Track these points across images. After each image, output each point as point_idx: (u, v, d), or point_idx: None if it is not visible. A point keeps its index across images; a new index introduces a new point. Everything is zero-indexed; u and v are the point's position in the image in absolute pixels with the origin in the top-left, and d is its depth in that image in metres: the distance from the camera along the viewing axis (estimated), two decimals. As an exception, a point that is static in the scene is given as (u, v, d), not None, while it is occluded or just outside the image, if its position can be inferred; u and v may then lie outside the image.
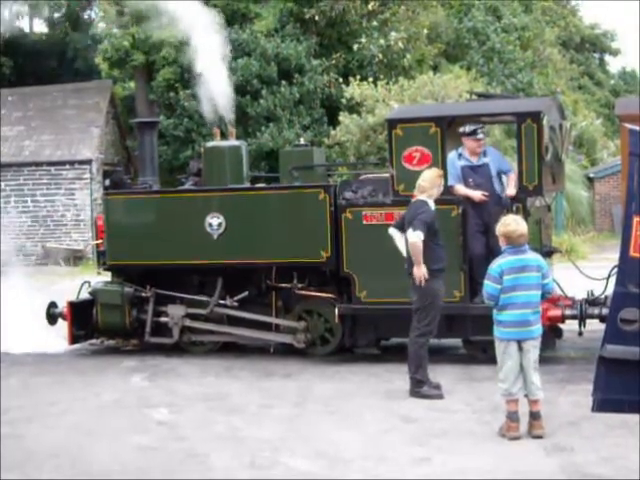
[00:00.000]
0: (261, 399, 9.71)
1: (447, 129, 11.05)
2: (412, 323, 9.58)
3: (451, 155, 11.13)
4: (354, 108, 25.54)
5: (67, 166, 27.51)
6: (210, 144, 12.96)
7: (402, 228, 9.62)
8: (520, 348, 7.91)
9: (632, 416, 7.87)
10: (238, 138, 14.05)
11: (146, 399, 9.90)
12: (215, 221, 11.83)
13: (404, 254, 9.67)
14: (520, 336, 7.90)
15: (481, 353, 10.93)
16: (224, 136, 13.14)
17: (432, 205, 9.56)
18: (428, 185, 9.59)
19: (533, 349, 7.92)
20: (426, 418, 8.67)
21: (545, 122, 10.71)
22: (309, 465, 7.36)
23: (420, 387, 9.47)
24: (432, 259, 9.41)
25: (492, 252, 10.56)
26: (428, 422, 8.53)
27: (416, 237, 9.32)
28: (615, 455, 7.25)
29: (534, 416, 7.89)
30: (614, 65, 62.04)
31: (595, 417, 8.10)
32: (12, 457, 7.81)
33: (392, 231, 9.87)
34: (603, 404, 8.05)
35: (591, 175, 31.85)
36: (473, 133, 11.08)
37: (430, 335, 9.63)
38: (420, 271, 9.35)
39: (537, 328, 7.98)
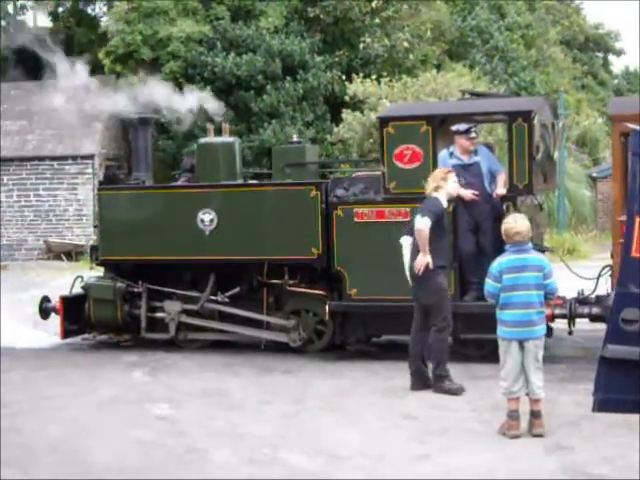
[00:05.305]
0: (261, 395, 9.71)
1: (438, 128, 11.08)
2: (417, 322, 9.64)
3: (442, 154, 11.15)
4: (357, 105, 25.52)
5: (70, 161, 27.46)
6: (203, 140, 12.93)
7: (412, 234, 9.65)
8: (522, 347, 7.91)
9: (632, 416, 7.87)
10: (241, 134, 14.02)
11: (146, 394, 9.89)
12: (207, 217, 11.83)
13: (406, 266, 9.71)
14: (521, 336, 7.89)
15: (474, 350, 10.96)
16: (219, 132, 13.13)
17: (444, 203, 9.68)
18: (430, 180, 9.73)
19: (535, 348, 7.90)
20: (426, 416, 8.67)
21: (536, 121, 10.72)
22: (308, 462, 7.35)
23: (442, 382, 9.54)
24: (437, 255, 9.47)
25: (482, 251, 10.61)
26: (428, 420, 8.52)
27: (423, 224, 9.37)
28: (615, 455, 7.24)
29: (535, 415, 7.88)
30: (617, 65, 62.08)
31: (595, 416, 8.10)
32: (11, 452, 7.80)
33: (403, 240, 9.89)
34: (604, 404, 8.06)
35: (594, 174, 31.77)
36: (467, 132, 11.09)
37: (449, 328, 9.70)
38: (424, 259, 9.38)
39: (540, 328, 7.95)
